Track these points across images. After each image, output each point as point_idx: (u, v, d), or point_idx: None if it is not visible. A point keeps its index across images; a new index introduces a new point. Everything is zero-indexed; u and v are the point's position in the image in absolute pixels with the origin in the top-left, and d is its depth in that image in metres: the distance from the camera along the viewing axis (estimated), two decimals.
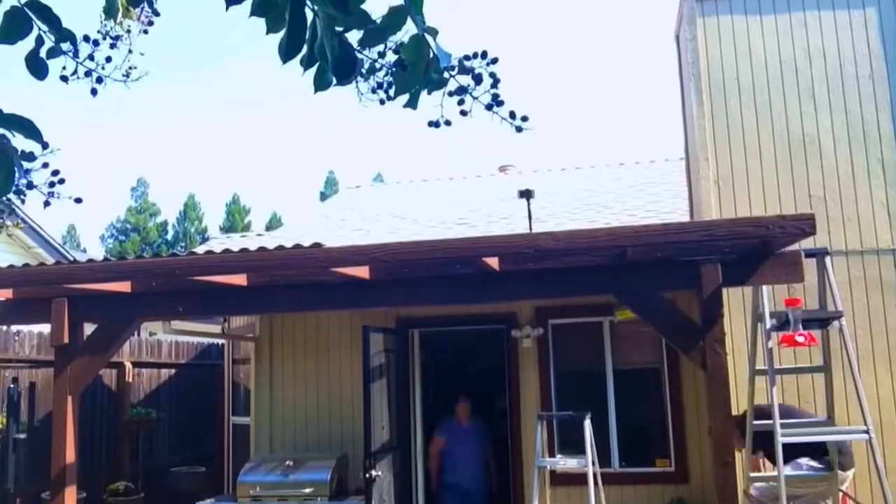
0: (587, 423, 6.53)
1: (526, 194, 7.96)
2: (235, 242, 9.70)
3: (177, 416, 11.02)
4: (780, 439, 4.45)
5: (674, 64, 7.37)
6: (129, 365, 9.95)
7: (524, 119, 1.83)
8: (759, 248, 4.05)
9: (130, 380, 9.99)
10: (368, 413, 7.07)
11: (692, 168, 6.81)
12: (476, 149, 54.26)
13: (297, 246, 6.43)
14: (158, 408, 10.33)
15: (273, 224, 34.53)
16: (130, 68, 2.39)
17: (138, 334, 10.99)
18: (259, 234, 12.11)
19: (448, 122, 1.84)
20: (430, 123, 1.84)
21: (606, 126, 58.46)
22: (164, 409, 10.62)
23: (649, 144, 45.53)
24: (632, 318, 6.77)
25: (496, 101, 1.80)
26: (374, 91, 1.91)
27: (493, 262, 4.21)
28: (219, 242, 10.44)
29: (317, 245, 5.93)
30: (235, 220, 37.84)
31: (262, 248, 6.55)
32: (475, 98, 1.79)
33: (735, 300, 5.93)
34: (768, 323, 4.68)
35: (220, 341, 11.05)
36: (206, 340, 11.36)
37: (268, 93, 59.05)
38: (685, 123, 7.15)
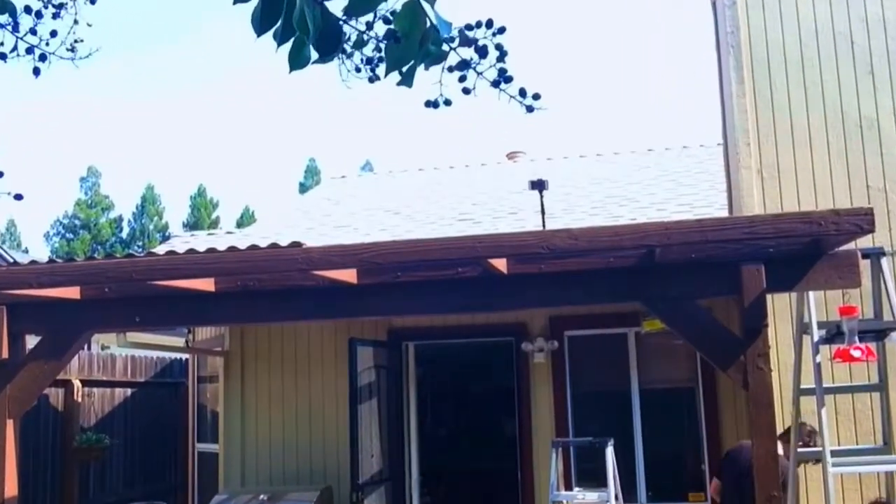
0: (609, 451, 6.53)
1: (538, 185, 7.97)
2: (201, 241, 9.71)
3: (133, 443, 11.01)
4: (831, 470, 4.45)
5: (710, 35, 7.36)
6: (77, 383, 9.95)
7: (536, 97, 1.82)
8: (808, 248, 4.05)
9: (80, 400, 9.99)
10: (356, 439, 7.08)
11: (731, 155, 6.81)
12: (480, 132, 54.38)
13: (273, 245, 6.45)
14: (112, 433, 10.32)
15: (245, 220, 34.57)
16: (76, 41, 2.38)
17: (89, 348, 10.98)
18: (229, 232, 12.12)
19: (448, 102, 1.83)
20: (428, 104, 1.83)
21: (631, 107, 58.58)
22: (118, 435, 10.61)
23: (682, 128, 45.54)
24: (661, 329, 6.76)
25: (503, 77, 1.79)
26: (357, 70, 1.89)
27: (501, 263, 4.21)
28: (182, 241, 10.45)
29: (296, 244, 5.95)
30: (201, 215, 37.87)
31: (232, 249, 6.57)
32: (479, 74, 1.78)
33: (781, 308, 5.93)
34: (815, 335, 4.68)
35: (184, 356, 11.04)
36: (167, 355, 11.36)
37: (239, 68, 59.15)
38: (723, 104, 7.14)
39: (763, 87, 6.49)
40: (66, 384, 9.80)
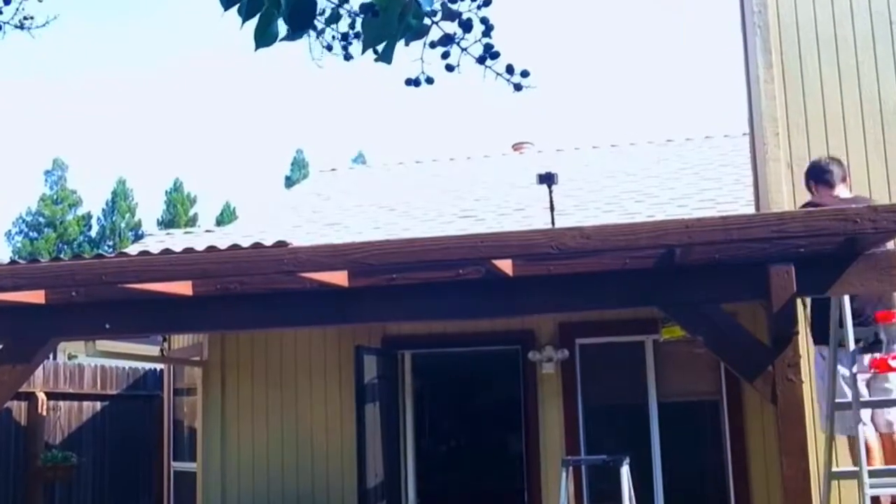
0: (625, 471, 6.53)
1: (546, 179, 7.97)
2: (178, 241, 9.71)
3: (103, 462, 11.01)
4: (868, 491, 4.45)
5: (735, 14, 7.37)
6: (42, 396, 9.94)
7: (524, 74, 1.83)
8: (843, 248, 4.05)
9: (44, 415, 9.99)
10: (363, 457, 7.05)
11: (758, 146, 6.81)
12: (484, 121, 54.41)
13: (257, 245, 6.45)
14: (80, 451, 10.31)
15: (225, 217, 34.58)
16: (26, 18, 2.37)
17: (54, 357, 10.98)
18: (208, 231, 12.13)
19: (430, 80, 1.85)
20: (409, 82, 1.86)
21: (649, 94, 58.60)
22: (86, 453, 10.61)
23: (704, 117, 45.57)
24: (681, 336, 6.76)
25: (489, 53, 1.81)
26: (329, 48, 1.91)
27: (506, 265, 4.21)
28: (156, 241, 10.45)
29: (281, 244, 5.95)
30: (178, 212, 37.90)
31: (211, 248, 6.57)
32: (464, 49, 1.79)
33: None
34: (852, 343, 4.68)
35: (159, 366, 11.04)
36: (140, 365, 11.36)
37: (219, 49, 59.19)
38: (749, 90, 7.14)
39: (793, 72, 6.48)
40: (30, 397, 9.79)
